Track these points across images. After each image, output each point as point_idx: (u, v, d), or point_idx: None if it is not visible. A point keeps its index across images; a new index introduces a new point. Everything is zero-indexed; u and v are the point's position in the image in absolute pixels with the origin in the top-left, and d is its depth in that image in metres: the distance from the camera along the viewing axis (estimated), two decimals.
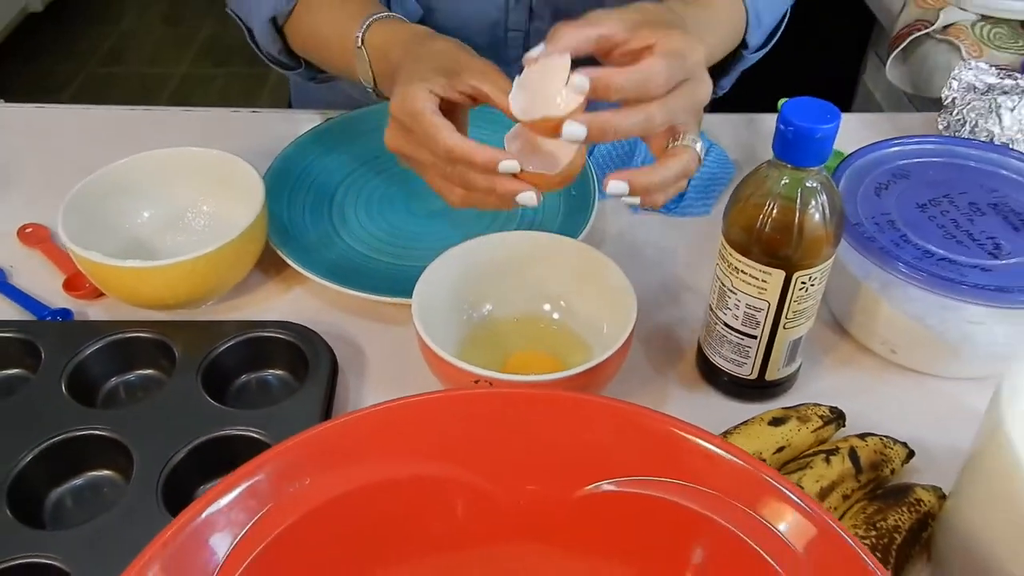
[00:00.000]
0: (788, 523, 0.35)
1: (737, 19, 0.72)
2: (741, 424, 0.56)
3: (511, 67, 0.81)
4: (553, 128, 0.51)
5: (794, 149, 0.50)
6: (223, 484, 0.35)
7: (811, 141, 0.49)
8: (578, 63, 0.52)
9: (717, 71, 0.77)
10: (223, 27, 3.00)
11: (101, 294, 0.67)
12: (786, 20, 0.79)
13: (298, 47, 0.75)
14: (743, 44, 0.75)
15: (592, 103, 0.52)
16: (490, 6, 0.79)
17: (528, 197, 0.53)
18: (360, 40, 0.64)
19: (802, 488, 0.44)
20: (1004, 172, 0.66)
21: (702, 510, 0.37)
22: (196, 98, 2.67)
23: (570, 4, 0.80)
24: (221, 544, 0.33)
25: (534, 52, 0.53)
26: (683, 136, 0.55)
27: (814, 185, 0.52)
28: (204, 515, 0.34)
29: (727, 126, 0.86)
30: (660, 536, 0.40)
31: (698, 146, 0.55)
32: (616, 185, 0.53)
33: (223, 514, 0.34)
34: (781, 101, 0.50)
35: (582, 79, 0.50)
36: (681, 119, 0.54)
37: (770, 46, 0.78)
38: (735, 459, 0.37)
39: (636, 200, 0.54)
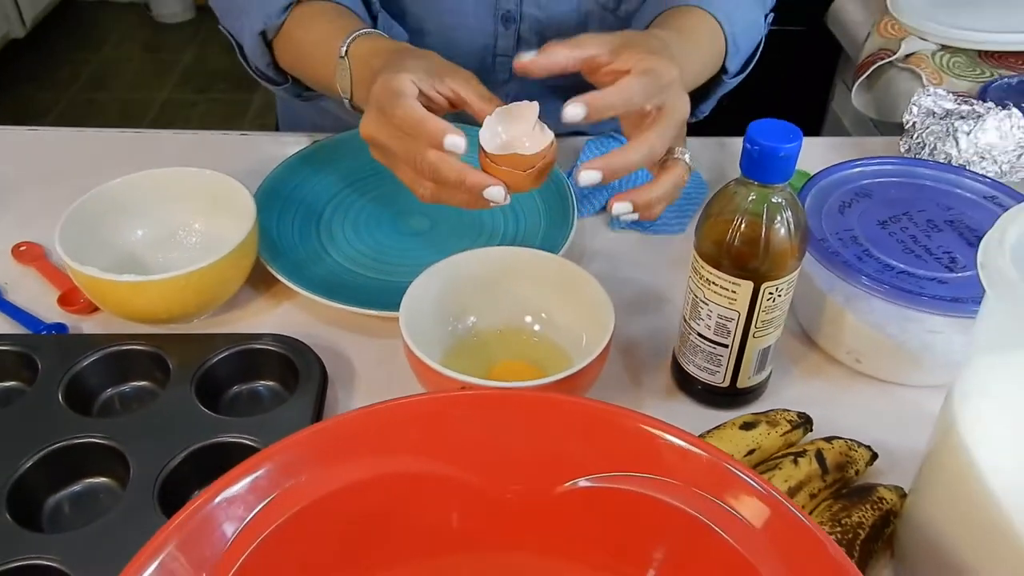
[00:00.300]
0: (747, 506, 0.37)
1: (717, 46, 0.77)
2: (714, 428, 0.59)
3: (499, 91, 0.86)
4: (520, 164, 0.56)
5: (760, 167, 0.53)
6: (231, 475, 0.37)
7: (775, 159, 0.52)
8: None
9: (698, 96, 0.81)
10: (204, 54, 3.03)
11: (95, 309, 0.69)
12: (761, 47, 0.83)
13: (285, 62, 0.78)
14: (723, 70, 0.79)
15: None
16: (479, 33, 0.83)
17: (496, 192, 0.56)
18: (344, 51, 0.67)
19: None
20: (959, 191, 0.70)
21: (668, 499, 0.40)
22: (177, 124, 2.70)
23: (557, 31, 0.83)
24: (228, 529, 0.36)
25: (525, 56, 0.59)
26: (673, 151, 0.60)
27: (779, 201, 0.55)
28: (216, 500, 0.36)
29: (701, 149, 0.90)
30: (631, 526, 0.42)
31: (687, 156, 0.61)
32: (621, 206, 0.58)
33: (229, 505, 0.37)
34: None
35: (548, 131, 0.57)
36: (673, 141, 0.60)
37: (747, 72, 0.83)
38: (697, 450, 0.40)
39: (636, 215, 0.59)
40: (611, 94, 0.57)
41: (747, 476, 0.38)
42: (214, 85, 2.87)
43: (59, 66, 2.94)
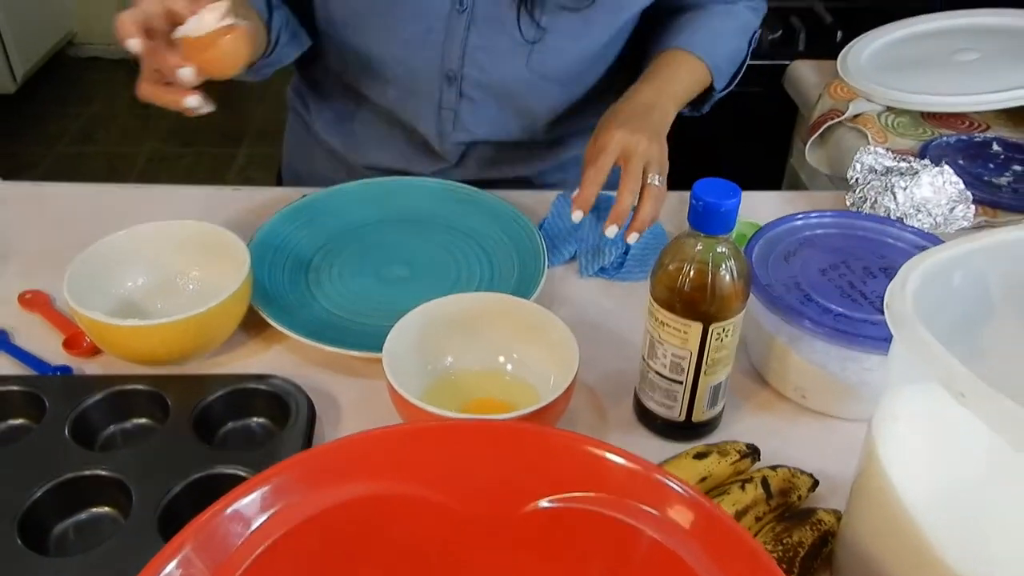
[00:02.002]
0: (682, 515, 0.43)
1: (698, 74, 0.90)
2: (671, 458, 0.64)
3: (447, 141, 0.96)
4: (199, 44, 0.67)
5: (704, 220, 0.60)
6: (238, 490, 0.42)
7: (718, 213, 0.59)
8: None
9: (699, 100, 0.94)
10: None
11: (98, 352, 0.74)
12: (747, 62, 0.97)
13: None
14: (711, 87, 0.93)
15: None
16: (428, 86, 0.92)
17: (185, 72, 0.67)
18: None
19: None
20: (892, 241, 0.77)
21: (615, 514, 0.45)
22: (163, 177, 2.75)
23: (496, 91, 0.92)
24: (235, 538, 0.41)
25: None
26: (646, 175, 0.79)
27: (723, 250, 0.61)
28: (228, 510, 0.41)
29: (664, 203, 0.97)
30: (583, 542, 0.47)
31: (657, 180, 0.79)
32: (612, 230, 0.78)
33: (233, 517, 0.42)
34: None
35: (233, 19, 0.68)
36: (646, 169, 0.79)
37: (734, 84, 0.95)
38: (639, 468, 0.45)
39: (633, 236, 0.79)
40: (588, 188, 0.78)
41: (683, 489, 0.44)
42: (200, 139, 2.94)
43: (48, 121, 3.00)
